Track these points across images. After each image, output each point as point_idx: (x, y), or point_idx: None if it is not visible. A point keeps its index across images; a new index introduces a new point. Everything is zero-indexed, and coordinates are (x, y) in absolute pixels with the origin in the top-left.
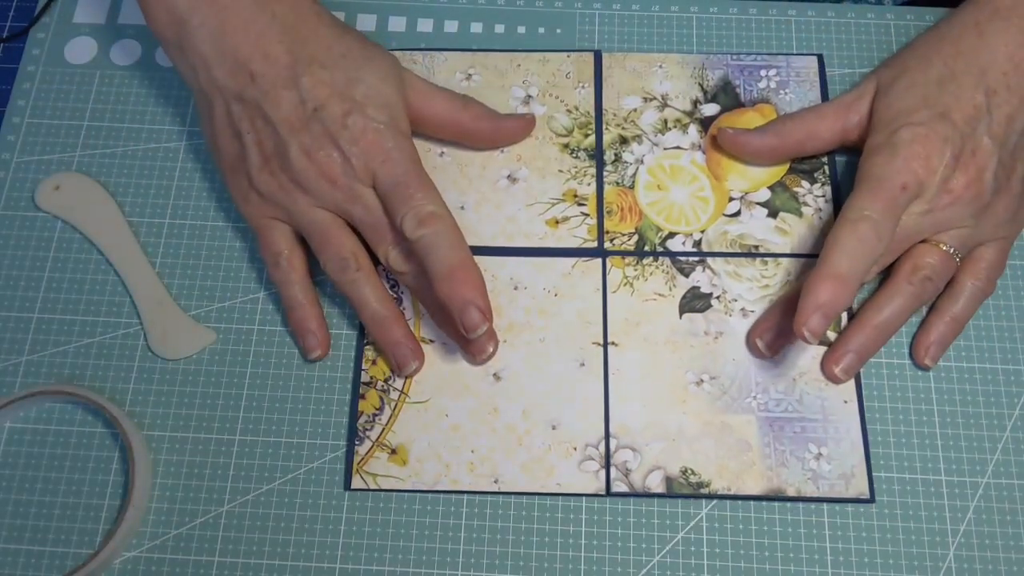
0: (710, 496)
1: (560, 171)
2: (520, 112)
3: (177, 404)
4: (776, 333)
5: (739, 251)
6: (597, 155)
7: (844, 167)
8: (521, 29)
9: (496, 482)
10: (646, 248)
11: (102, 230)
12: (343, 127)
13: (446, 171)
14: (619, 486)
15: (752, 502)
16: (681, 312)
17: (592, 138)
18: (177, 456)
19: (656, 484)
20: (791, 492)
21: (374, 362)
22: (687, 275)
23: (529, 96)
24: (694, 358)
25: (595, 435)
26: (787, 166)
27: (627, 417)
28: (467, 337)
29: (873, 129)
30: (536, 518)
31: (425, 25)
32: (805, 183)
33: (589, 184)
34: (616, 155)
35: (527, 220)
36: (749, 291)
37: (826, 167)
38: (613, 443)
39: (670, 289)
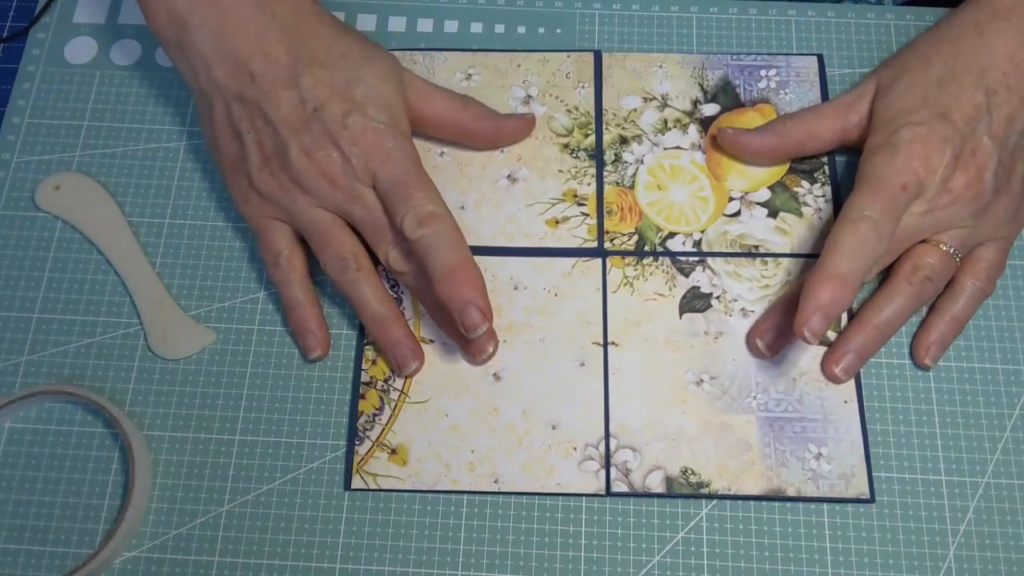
0: (710, 496)
1: (560, 171)
2: (520, 112)
3: (177, 404)
4: (776, 333)
5: (739, 251)
6: (597, 155)
7: (844, 167)
8: (521, 29)
9: (496, 482)
10: (646, 248)
11: (102, 230)
12: (343, 127)
13: (446, 171)
14: (619, 486)
15: (752, 502)
16: (681, 312)
17: (592, 138)
18: (177, 456)
19: (656, 484)
20: (791, 492)
21: (374, 362)
22: (687, 275)
23: (529, 96)
24: (694, 358)
25: (595, 435)
26: (787, 166)
27: (627, 417)
28: (467, 337)
29: (873, 129)
30: (536, 518)
31: (425, 25)
32: (805, 183)
33: (589, 184)
34: (616, 155)
35: (527, 220)
36: (749, 291)
37: (826, 167)
38: (613, 443)
39: (670, 289)
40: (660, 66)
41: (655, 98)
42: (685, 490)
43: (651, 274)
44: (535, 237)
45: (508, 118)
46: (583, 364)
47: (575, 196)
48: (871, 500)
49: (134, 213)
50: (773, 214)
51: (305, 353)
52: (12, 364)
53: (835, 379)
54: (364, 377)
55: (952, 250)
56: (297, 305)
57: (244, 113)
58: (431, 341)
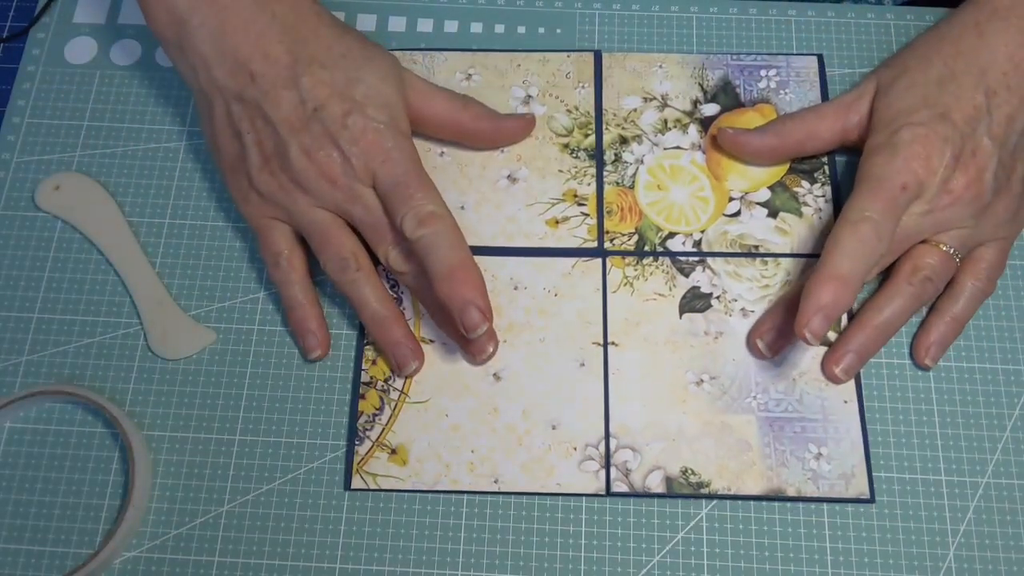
0: (710, 496)
1: (560, 171)
2: (520, 112)
3: (177, 404)
4: (777, 334)
5: (739, 251)
6: (597, 155)
7: (844, 167)
8: (521, 29)
9: (496, 482)
10: (646, 248)
11: (102, 230)
12: (343, 127)
13: (446, 171)
14: (619, 486)
15: (752, 502)
16: (681, 312)
17: (592, 138)
18: (177, 456)
19: (656, 484)
20: (791, 492)
21: (374, 362)
22: (687, 275)
23: (529, 96)
24: (694, 358)
25: (595, 435)
26: (787, 166)
27: (627, 417)
28: (467, 337)
29: (873, 129)
30: (536, 518)
31: (425, 25)
32: (805, 183)
33: (589, 184)
34: (616, 155)
35: (527, 220)
36: (749, 291)
37: (826, 167)
38: (613, 443)
39: (670, 289)
40: (660, 66)
41: (655, 98)
42: (685, 490)
43: (651, 274)
44: (535, 237)
45: (508, 118)
46: (583, 364)
47: (575, 196)
48: (871, 500)
49: (134, 213)
50: (773, 214)
51: (305, 353)
52: (12, 364)
53: (835, 379)
54: (364, 377)
55: (952, 250)
56: (297, 305)
57: (244, 113)
58: (431, 341)
